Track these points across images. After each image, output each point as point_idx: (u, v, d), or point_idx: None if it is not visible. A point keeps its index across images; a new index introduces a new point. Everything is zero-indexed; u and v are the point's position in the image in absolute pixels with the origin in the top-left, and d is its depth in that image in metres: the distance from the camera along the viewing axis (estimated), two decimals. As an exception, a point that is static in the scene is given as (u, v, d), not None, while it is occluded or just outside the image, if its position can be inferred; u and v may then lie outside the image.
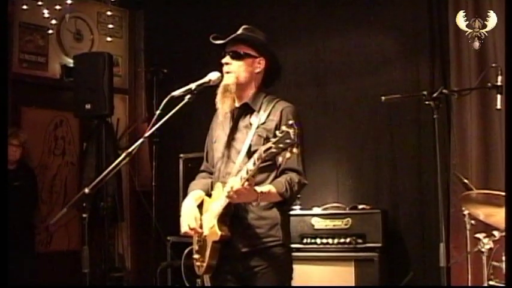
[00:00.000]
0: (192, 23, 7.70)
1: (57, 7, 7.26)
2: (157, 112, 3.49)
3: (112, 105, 6.82)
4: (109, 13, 8.03)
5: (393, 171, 6.48)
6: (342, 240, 5.94)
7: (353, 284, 5.81)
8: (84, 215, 3.54)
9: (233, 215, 3.60)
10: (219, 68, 3.76)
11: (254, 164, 3.24)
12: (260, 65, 3.79)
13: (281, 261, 3.69)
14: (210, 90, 3.75)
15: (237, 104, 3.82)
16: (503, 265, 4.54)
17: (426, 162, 6.12)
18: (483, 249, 4.42)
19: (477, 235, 4.51)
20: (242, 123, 3.76)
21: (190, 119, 6.94)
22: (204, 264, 3.68)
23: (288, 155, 3.11)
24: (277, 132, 3.13)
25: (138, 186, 7.71)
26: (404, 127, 6.45)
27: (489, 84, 4.45)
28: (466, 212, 4.84)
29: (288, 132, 3.07)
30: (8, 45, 6.71)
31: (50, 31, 7.44)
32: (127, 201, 7.98)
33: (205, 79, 3.66)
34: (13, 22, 7.07)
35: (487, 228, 4.62)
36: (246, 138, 3.64)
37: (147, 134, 3.51)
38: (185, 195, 6.44)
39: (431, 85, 6.12)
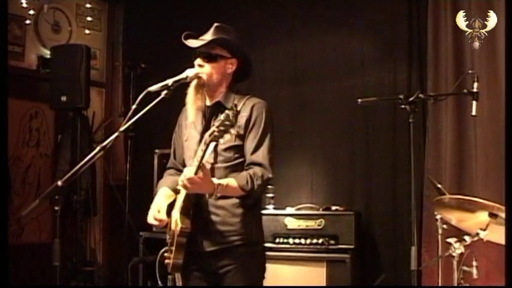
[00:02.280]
0: (171, 18, 7.67)
1: (36, -3, 7.23)
2: (133, 107, 3.49)
3: (88, 98, 6.79)
4: (88, 5, 7.99)
5: (367, 173, 6.50)
6: (315, 240, 5.95)
7: (324, 285, 5.83)
8: (57, 208, 3.52)
9: (205, 212, 3.65)
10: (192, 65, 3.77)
11: (202, 150, 3.31)
12: (232, 65, 3.83)
13: (253, 259, 3.74)
14: (187, 86, 3.75)
15: (208, 103, 3.84)
16: (474, 270, 4.60)
17: (400, 166, 6.15)
18: (454, 254, 4.44)
19: (448, 240, 4.53)
20: (214, 122, 3.74)
21: (166, 114, 6.90)
22: (171, 263, 3.70)
23: (227, 137, 3.24)
24: (221, 115, 3.23)
25: (112, 180, 7.65)
26: (380, 130, 6.46)
27: (465, 91, 4.49)
28: (438, 217, 4.88)
29: (227, 115, 3.18)
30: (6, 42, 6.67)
31: (28, 21, 7.36)
32: (100, 195, 7.93)
33: (183, 75, 3.67)
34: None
35: (459, 233, 4.64)
36: None
37: (122, 128, 3.51)
38: (159, 191, 6.33)
39: (408, 89, 6.15)
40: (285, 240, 6.06)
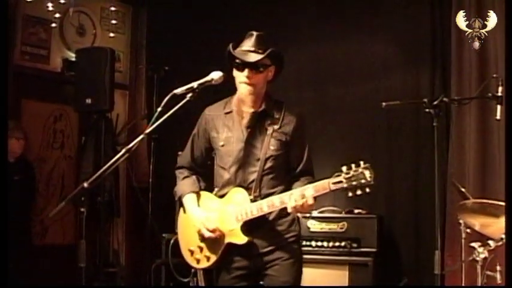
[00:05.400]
0: (194, 21, 7.70)
1: (62, 1, 7.28)
2: (159, 109, 3.50)
3: (112, 101, 6.82)
4: (112, 9, 8.06)
5: (390, 177, 6.49)
6: (337, 243, 5.96)
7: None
8: (82, 209, 3.55)
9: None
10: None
11: (316, 191, 3.56)
12: (271, 73, 3.90)
13: (298, 254, 3.89)
14: (211, 89, 3.76)
15: (247, 109, 3.89)
16: (497, 275, 4.57)
17: (424, 170, 6.14)
18: (478, 258, 4.43)
19: (472, 244, 4.52)
20: (258, 129, 3.86)
21: (189, 116, 6.93)
22: (212, 261, 3.86)
23: (359, 192, 3.35)
24: (344, 168, 3.37)
25: (135, 182, 7.69)
26: (403, 134, 6.46)
27: (489, 94, 4.47)
28: (461, 221, 4.86)
29: (362, 173, 3.32)
30: (10, 40, 6.72)
31: (53, 24, 7.43)
32: (123, 197, 7.96)
33: (208, 78, 3.67)
34: (16, 14, 7.06)
35: (482, 238, 4.63)
36: (263, 144, 3.80)
37: (147, 130, 3.51)
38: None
39: (431, 93, 6.13)
40: (308, 243, 6.07)
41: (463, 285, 4.95)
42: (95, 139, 7.21)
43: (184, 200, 4.02)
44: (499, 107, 4.37)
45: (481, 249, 4.41)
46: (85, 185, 3.30)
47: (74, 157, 7.66)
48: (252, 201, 3.72)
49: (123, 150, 3.39)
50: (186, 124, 7.16)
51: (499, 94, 4.34)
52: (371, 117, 6.57)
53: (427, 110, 4.29)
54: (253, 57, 3.77)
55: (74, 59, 7.33)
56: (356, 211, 6.15)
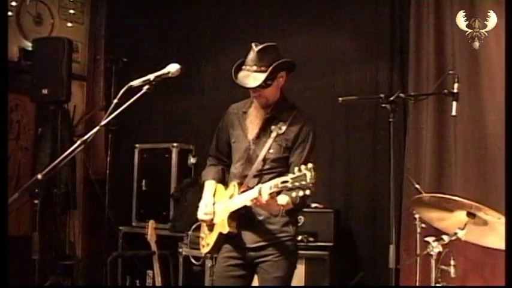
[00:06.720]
0: (153, 13, 7.66)
1: (18, -11, 7.19)
2: (115, 101, 3.48)
3: (69, 92, 6.75)
4: (71, -2, 7.98)
5: (347, 171, 6.53)
6: (294, 237, 5.95)
7: (303, 282, 5.83)
8: (36, 201, 3.51)
9: (250, 211, 3.90)
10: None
11: (270, 188, 3.54)
12: (282, 78, 4.00)
13: (291, 252, 4.05)
14: (169, 82, 3.74)
15: (259, 112, 4.05)
16: (451, 269, 4.64)
17: (380, 165, 6.17)
18: (432, 253, 4.47)
19: (427, 238, 4.56)
20: (263, 131, 3.99)
21: (146, 109, 6.92)
22: (208, 248, 4.11)
23: (301, 193, 3.38)
24: (296, 170, 3.39)
25: (92, 174, 7.62)
26: (361, 129, 6.49)
27: (445, 91, 4.51)
28: (416, 216, 4.91)
29: (305, 175, 3.34)
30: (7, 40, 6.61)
31: (10, 13, 7.31)
32: (80, 189, 7.89)
33: (165, 71, 3.65)
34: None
35: (437, 232, 4.67)
36: (264, 146, 3.93)
37: (103, 122, 3.49)
38: (139, 185, 6.47)
39: (389, 88, 6.17)
40: (264, 237, 6.06)
41: (417, 278, 5.00)
42: (51, 130, 7.13)
43: (204, 186, 4.23)
44: (454, 103, 4.40)
45: (435, 244, 4.45)
46: (39, 176, 3.27)
47: (30, 148, 7.56)
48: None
49: (79, 142, 3.37)
50: (144, 117, 7.19)
51: (455, 91, 4.38)
52: (329, 112, 6.58)
53: (383, 105, 4.32)
54: (253, 82, 3.86)
55: (30, 49, 7.24)
56: (313, 205, 6.14)
